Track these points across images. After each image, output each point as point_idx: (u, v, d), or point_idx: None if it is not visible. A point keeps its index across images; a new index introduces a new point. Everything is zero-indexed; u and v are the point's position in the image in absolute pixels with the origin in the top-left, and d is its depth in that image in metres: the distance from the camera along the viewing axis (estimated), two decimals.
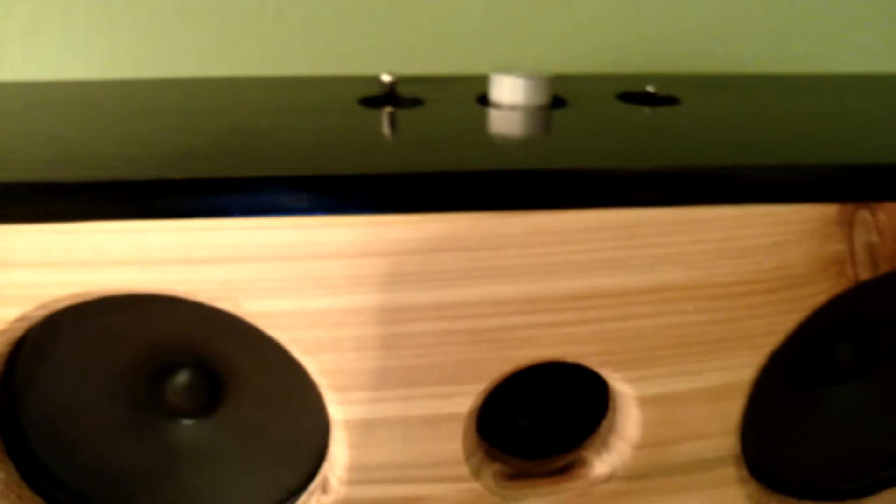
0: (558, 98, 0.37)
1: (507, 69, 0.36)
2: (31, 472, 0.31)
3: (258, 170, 0.27)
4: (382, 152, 0.31)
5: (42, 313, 0.27)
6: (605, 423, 0.32)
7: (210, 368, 0.31)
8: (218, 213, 0.26)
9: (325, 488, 0.31)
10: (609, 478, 0.31)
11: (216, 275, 0.26)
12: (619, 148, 0.32)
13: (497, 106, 0.36)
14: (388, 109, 0.35)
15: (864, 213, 0.29)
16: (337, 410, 0.29)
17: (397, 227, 0.27)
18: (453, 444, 0.30)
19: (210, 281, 0.27)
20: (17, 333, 0.28)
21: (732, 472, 0.32)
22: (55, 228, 0.26)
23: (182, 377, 0.31)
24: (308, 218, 0.26)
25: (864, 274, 0.30)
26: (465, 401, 0.29)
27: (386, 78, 0.36)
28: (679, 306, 0.29)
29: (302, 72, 0.54)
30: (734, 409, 0.31)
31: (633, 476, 0.31)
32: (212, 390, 0.32)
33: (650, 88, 0.39)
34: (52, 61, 0.53)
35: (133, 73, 0.53)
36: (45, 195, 0.26)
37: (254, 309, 0.27)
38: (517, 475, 0.32)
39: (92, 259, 0.26)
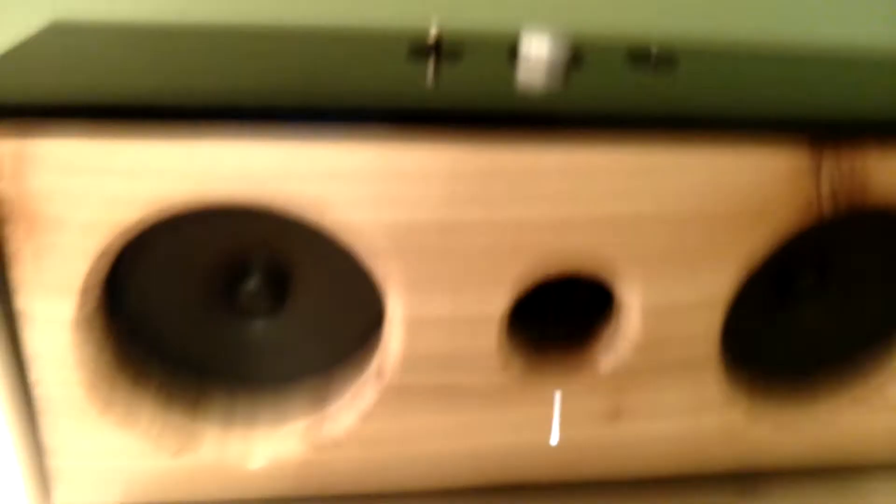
0: (576, 54, 0.43)
1: (535, 28, 0.42)
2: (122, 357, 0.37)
3: (340, 102, 0.33)
4: (439, 93, 0.36)
5: (158, 217, 0.32)
6: (611, 326, 0.38)
7: (279, 273, 0.37)
8: (314, 135, 0.31)
9: (379, 374, 0.36)
10: (614, 372, 0.37)
11: (310, 189, 0.32)
12: (629, 96, 0.37)
13: (527, 59, 0.41)
14: (434, 59, 0.41)
15: (830, 160, 0.34)
16: (396, 309, 0.35)
17: (454, 154, 0.32)
18: (489, 339, 0.36)
19: (304, 194, 0.32)
20: (134, 234, 0.33)
21: (714, 370, 0.38)
22: (178, 144, 0.30)
23: (255, 281, 0.37)
24: (387, 143, 0.31)
25: (828, 211, 0.35)
26: (501, 303, 0.35)
27: (432, 31, 0.41)
28: (679, 230, 0.35)
29: (348, 23, 0.59)
30: (717, 316, 0.37)
31: (633, 371, 0.37)
32: (279, 292, 0.37)
33: (654, 50, 0.44)
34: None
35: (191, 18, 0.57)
36: (171, 116, 0.30)
37: (338, 218, 0.32)
38: (537, 368, 0.38)
39: (206, 171, 0.31)
